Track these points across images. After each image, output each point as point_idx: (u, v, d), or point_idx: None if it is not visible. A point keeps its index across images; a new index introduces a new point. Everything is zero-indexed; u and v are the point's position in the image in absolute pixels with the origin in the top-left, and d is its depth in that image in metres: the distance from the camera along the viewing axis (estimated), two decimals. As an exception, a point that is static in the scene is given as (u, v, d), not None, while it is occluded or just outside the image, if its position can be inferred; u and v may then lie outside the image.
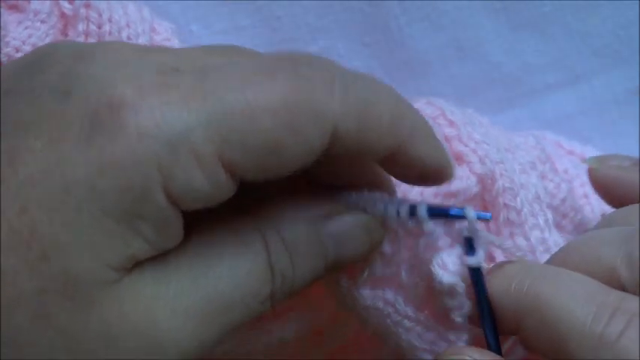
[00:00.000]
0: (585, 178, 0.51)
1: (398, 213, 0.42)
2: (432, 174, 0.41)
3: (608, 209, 0.50)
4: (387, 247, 0.43)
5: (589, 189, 0.51)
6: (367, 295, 0.44)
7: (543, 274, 0.41)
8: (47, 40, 0.50)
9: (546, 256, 0.46)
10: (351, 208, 0.42)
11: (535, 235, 0.48)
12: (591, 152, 0.56)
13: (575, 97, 0.59)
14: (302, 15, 0.59)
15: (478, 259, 0.41)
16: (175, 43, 0.52)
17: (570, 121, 0.59)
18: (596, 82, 0.59)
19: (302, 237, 0.40)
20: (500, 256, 0.48)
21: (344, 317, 0.47)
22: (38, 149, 0.36)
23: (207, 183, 0.36)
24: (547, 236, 0.48)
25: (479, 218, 0.41)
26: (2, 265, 0.35)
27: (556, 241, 0.48)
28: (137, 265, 0.37)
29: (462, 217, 0.41)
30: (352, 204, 0.42)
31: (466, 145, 0.49)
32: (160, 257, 0.38)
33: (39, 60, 0.39)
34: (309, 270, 0.40)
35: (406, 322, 0.43)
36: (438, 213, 0.41)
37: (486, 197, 0.49)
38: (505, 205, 0.48)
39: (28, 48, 0.49)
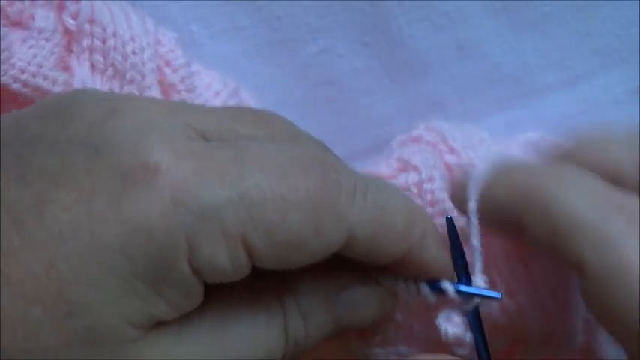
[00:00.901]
0: None
1: (407, 287, 0.43)
2: (435, 274, 0.43)
3: None
4: (397, 315, 0.45)
5: None
6: (379, 352, 0.45)
7: (546, 172, 0.41)
8: (52, 60, 0.49)
9: None
10: (364, 279, 0.43)
11: None
12: None
13: (575, 97, 0.59)
14: (302, 15, 0.59)
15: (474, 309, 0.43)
16: (179, 55, 0.52)
17: (570, 121, 0.59)
18: (596, 82, 0.59)
19: (317, 306, 0.41)
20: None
21: None
22: (68, 204, 0.36)
23: (228, 262, 0.37)
24: None
25: (487, 297, 0.43)
26: (29, 317, 0.35)
27: None
28: (159, 324, 0.37)
29: (467, 294, 0.43)
30: (365, 273, 0.43)
31: None
32: (180, 319, 0.38)
33: (66, 109, 0.38)
34: (321, 333, 0.42)
35: None
36: (441, 289, 0.43)
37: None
38: None
39: (33, 68, 0.48)
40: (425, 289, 0.43)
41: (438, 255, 0.42)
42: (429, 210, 0.46)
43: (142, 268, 0.36)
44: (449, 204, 0.47)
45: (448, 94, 0.60)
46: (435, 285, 0.43)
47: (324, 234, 0.38)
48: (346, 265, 0.42)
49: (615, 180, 0.41)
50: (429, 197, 0.47)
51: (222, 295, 0.39)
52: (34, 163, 0.37)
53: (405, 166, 0.49)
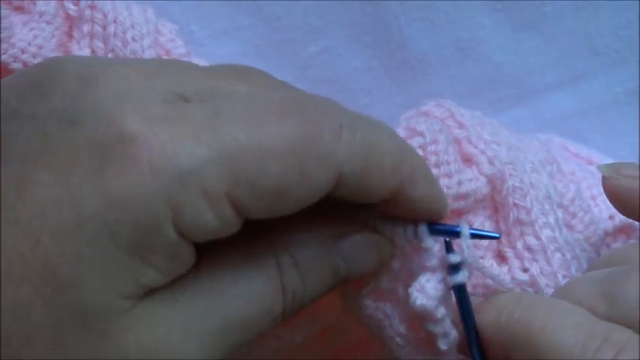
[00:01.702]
0: (592, 181, 0.51)
1: (404, 230, 0.43)
2: (428, 213, 0.42)
3: (616, 212, 0.50)
4: (394, 263, 0.44)
5: (596, 191, 0.51)
6: (370, 305, 0.44)
7: (533, 304, 0.42)
8: (53, 42, 0.50)
9: (558, 255, 0.47)
10: (361, 228, 0.43)
11: (546, 233, 0.48)
12: (596, 156, 0.56)
13: (575, 97, 0.59)
14: (302, 15, 0.59)
15: (461, 277, 0.42)
16: (179, 44, 0.52)
17: (570, 121, 0.59)
18: (596, 82, 0.59)
19: (314, 257, 0.41)
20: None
21: (350, 318, 0.47)
22: (48, 182, 0.36)
23: (215, 220, 0.37)
24: (557, 235, 0.48)
25: (486, 237, 0.43)
26: (18, 297, 0.36)
27: (567, 239, 0.48)
28: (151, 291, 0.37)
29: (459, 233, 0.42)
30: (362, 222, 0.43)
31: (475, 147, 0.49)
32: (173, 282, 0.38)
33: (43, 81, 0.39)
34: (320, 286, 0.41)
35: (398, 340, 0.44)
36: (439, 230, 0.43)
37: (496, 198, 0.49)
38: (515, 204, 0.48)
39: (33, 49, 0.49)
40: (423, 230, 0.42)
41: (430, 191, 0.42)
42: (434, 171, 0.46)
43: (126, 238, 0.36)
44: (454, 166, 0.46)
45: (448, 94, 0.60)
46: (433, 227, 0.42)
47: (309, 177, 0.37)
48: (342, 213, 0.42)
49: None
50: (433, 159, 0.46)
51: (215, 255, 0.39)
52: (15, 141, 0.37)
53: (411, 133, 0.48)
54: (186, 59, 0.51)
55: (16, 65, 0.48)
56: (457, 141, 0.49)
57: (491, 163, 0.48)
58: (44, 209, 0.36)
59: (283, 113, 0.37)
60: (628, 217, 0.48)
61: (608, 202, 0.48)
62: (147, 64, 0.40)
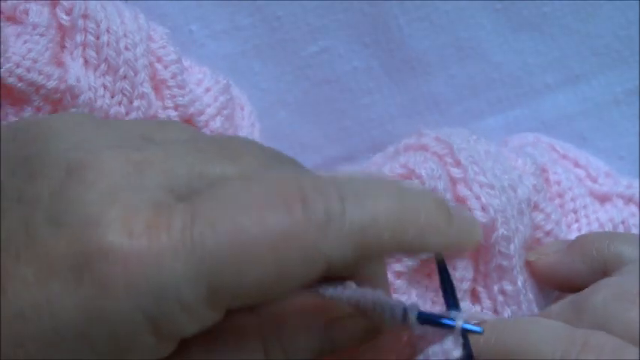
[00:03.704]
0: (577, 191, 0.53)
1: (392, 315, 0.41)
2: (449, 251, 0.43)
3: (596, 227, 0.52)
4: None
5: (579, 204, 0.53)
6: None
7: (513, 324, 0.43)
8: (47, 55, 0.49)
9: (530, 297, 0.50)
10: (353, 313, 0.41)
11: (521, 279, 0.50)
12: (583, 157, 0.56)
13: (575, 97, 0.59)
14: (302, 15, 0.59)
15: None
16: (170, 51, 0.52)
17: (570, 121, 0.59)
18: (596, 82, 0.59)
19: (302, 344, 0.41)
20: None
21: None
22: (29, 282, 0.36)
23: (194, 324, 0.37)
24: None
25: (470, 331, 0.42)
26: None
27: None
28: None
29: (452, 327, 0.41)
30: (350, 300, 0.41)
31: (470, 190, 0.50)
32: None
33: (32, 158, 0.38)
34: None
35: None
36: (429, 320, 0.42)
37: (483, 243, 0.50)
38: (499, 252, 0.50)
39: (28, 63, 0.48)
40: (412, 318, 0.41)
41: (446, 237, 0.39)
42: None
43: (103, 348, 0.36)
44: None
45: (448, 94, 0.60)
46: (423, 316, 0.41)
47: (291, 274, 0.37)
48: (330, 294, 0.41)
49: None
50: None
51: (203, 342, 0.39)
52: (3, 227, 0.37)
53: (409, 174, 0.49)
54: (176, 65, 0.51)
55: (11, 80, 0.48)
56: (453, 181, 0.50)
57: (484, 210, 0.49)
58: (24, 313, 0.36)
59: (266, 208, 0.36)
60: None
61: (592, 215, 0.49)
62: (138, 149, 0.39)
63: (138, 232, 0.36)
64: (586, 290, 0.45)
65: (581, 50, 0.59)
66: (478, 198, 0.48)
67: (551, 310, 0.46)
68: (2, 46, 0.48)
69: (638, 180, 0.56)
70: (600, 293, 0.44)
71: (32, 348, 0.36)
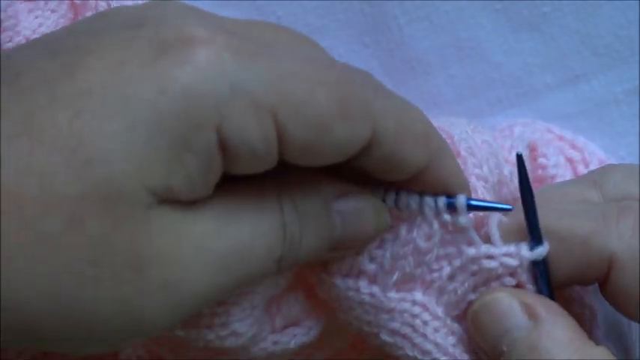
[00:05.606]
0: (567, 174, 0.53)
1: (435, 202, 0.44)
2: (451, 192, 0.44)
3: None
4: (421, 242, 0.45)
5: None
6: (393, 297, 0.44)
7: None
8: None
9: None
10: (363, 190, 0.43)
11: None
12: (580, 140, 0.57)
13: (575, 97, 0.59)
14: (302, 15, 0.59)
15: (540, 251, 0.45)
16: None
17: (570, 121, 0.59)
18: (596, 82, 0.59)
19: (313, 207, 0.42)
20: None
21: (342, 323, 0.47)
22: (99, 68, 0.36)
23: (257, 135, 0.37)
24: None
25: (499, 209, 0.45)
26: (45, 164, 0.35)
27: None
28: (168, 201, 0.38)
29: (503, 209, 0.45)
30: (367, 187, 0.43)
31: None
32: (188, 203, 0.38)
33: (105, 12, 0.40)
34: (315, 240, 0.42)
35: (435, 323, 0.44)
36: (478, 206, 0.45)
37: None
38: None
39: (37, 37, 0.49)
40: (461, 202, 0.44)
41: (455, 169, 0.43)
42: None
43: (169, 128, 0.36)
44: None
45: (448, 94, 0.60)
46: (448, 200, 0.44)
47: (350, 118, 0.38)
48: (348, 179, 0.43)
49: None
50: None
51: (227, 191, 0.40)
52: (68, 42, 0.38)
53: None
54: None
55: None
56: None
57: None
58: (91, 89, 0.36)
59: (329, 65, 0.39)
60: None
61: None
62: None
63: (220, 31, 0.38)
64: (600, 169, 0.50)
65: (581, 50, 0.59)
66: (475, 191, 0.48)
67: (568, 189, 0.49)
68: (13, 20, 0.48)
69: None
70: (619, 171, 0.49)
71: (89, 118, 0.36)
